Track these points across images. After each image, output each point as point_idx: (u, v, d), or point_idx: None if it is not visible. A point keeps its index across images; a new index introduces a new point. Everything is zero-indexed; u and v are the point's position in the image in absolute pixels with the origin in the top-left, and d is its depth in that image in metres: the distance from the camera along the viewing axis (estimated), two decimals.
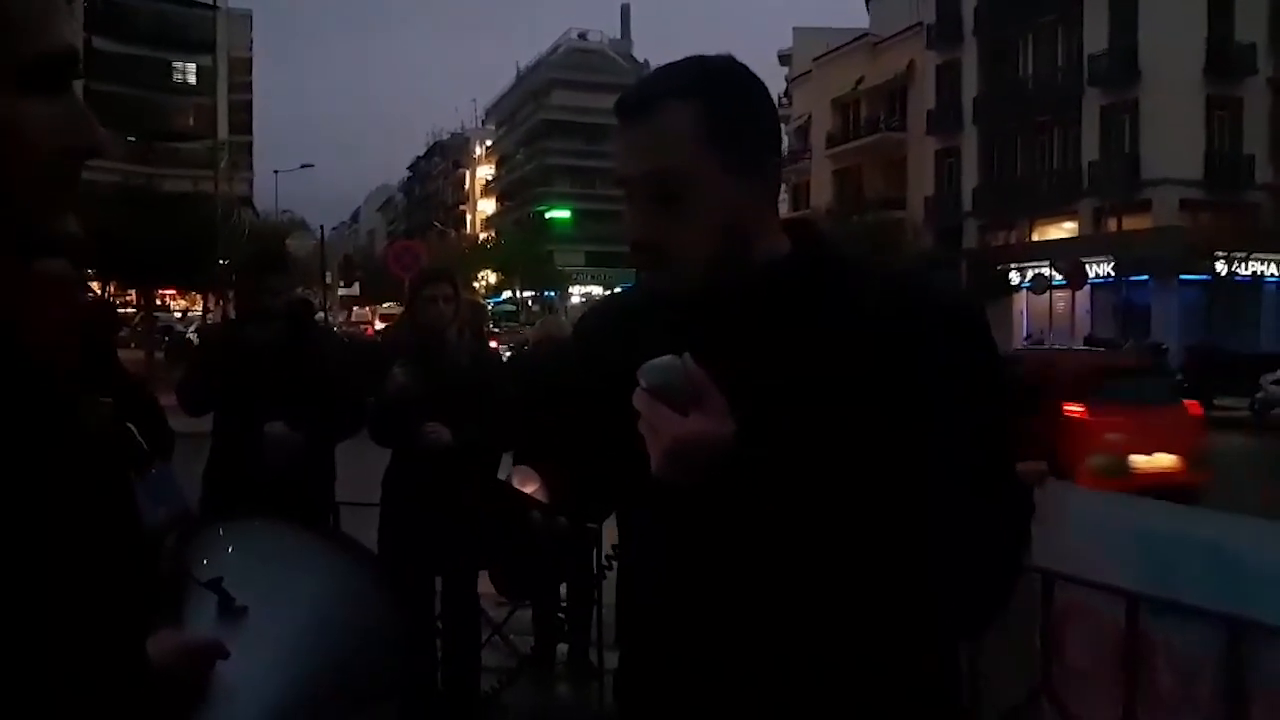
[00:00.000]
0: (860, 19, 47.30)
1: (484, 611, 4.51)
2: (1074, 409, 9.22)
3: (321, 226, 54.03)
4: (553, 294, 58.11)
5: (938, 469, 1.18)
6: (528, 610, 5.01)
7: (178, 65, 55.05)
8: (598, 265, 62.75)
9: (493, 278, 63.43)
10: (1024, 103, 34.77)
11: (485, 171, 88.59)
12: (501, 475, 1.37)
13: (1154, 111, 30.78)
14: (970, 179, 37.29)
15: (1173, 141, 30.30)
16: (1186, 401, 10.94)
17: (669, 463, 1.16)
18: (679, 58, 1.34)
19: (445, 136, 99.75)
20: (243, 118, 60.78)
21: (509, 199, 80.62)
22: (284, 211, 55.16)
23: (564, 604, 5.03)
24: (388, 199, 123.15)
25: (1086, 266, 26.58)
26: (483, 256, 63.06)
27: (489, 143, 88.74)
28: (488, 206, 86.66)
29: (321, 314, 39.36)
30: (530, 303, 58.93)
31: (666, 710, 1.31)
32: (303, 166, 49.23)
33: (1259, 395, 19.14)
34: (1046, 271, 28.41)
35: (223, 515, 1.31)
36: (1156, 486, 7.35)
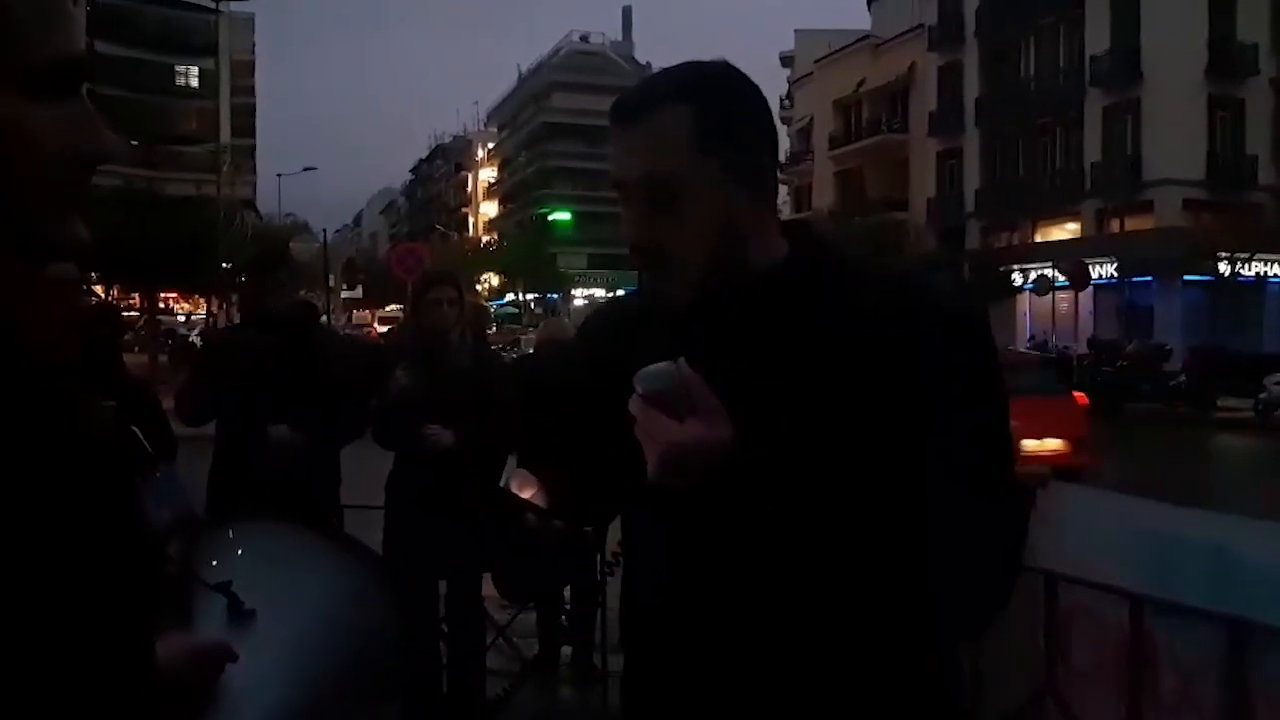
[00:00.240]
0: (862, 21, 47.37)
1: (488, 614, 4.51)
2: None
3: (324, 230, 54.16)
4: (555, 296, 58.15)
5: (936, 470, 1.18)
6: (532, 613, 5.01)
7: (180, 69, 55.15)
8: (600, 267, 62.76)
9: (495, 280, 63.49)
10: (1026, 104, 34.76)
11: (487, 174, 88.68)
12: (504, 478, 1.37)
13: (1156, 112, 30.77)
14: (972, 180, 37.29)
15: (1175, 142, 30.28)
16: (1076, 394, 12.61)
17: (664, 468, 1.16)
18: (680, 60, 1.34)
19: (447, 139, 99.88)
20: (245, 121, 60.85)
21: (511, 201, 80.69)
22: (287, 214, 55.19)
23: (567, 607, 5.03)
24: (390, 202, 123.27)
25: (1089, 268, 26.58)
26: (485, 259, 63.13)
27: (491, 145, 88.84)
28: (490, 209, 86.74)
29: (325, 317, 39.46)
30: (533, 305, 58.99)
31: (670, 712, 1.32)
32: (305, 170, 49.33)
33: (1262, 396, 19.12)
34: (1049, 273, 28.41)
35: (231, 518, 1.31)
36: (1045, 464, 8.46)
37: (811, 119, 45.55)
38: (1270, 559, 2.85)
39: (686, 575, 1.28)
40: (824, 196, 42.32)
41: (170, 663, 0.94)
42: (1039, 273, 29.32)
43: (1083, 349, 24.77)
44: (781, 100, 51.95)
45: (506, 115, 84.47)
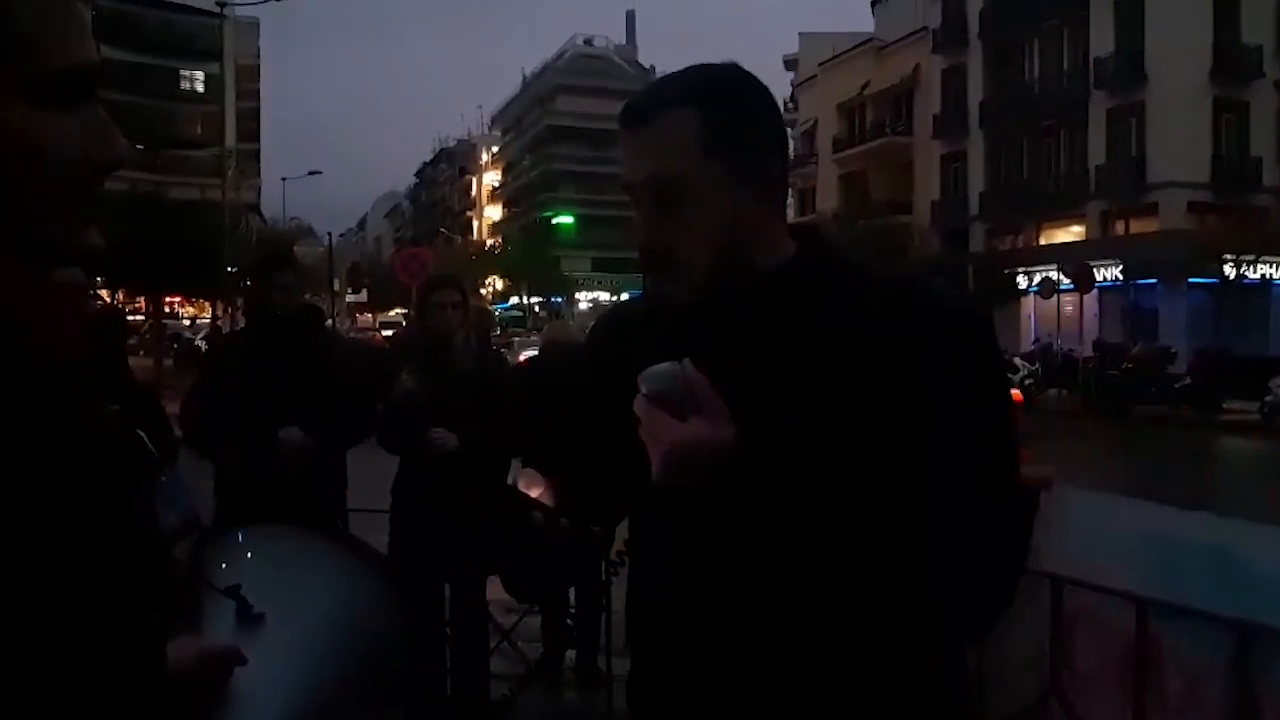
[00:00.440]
0: (866, 23, 47.32)
1: (492, 618, 4.51)
2: None
3: (329, 234, 54.30)
4: (560, 300, 58.17)
5: (940, 471, 1.19)
6: (536, 617, 5.01)
7: (185, 73, 55.33)
8: (604, 271, 62.80)
9: (500, 284, 63.54)
10: (1030, 106, 34.73)
11: (492, 178, 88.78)
12: (510, 477, 1.38)
13: (1160, 114, 30.72)
14: (977, 183, 37.25)
15: (1180, 145, 30.23)
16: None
17: (668, 468, 1.17)
18: (684, 63, 1.35)
19: (452, 143, 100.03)
20: (250, 125, 61.03)
21: (515, 205, 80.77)
22: (291, 218, 55.42)
23: (572, 609, 5.03)
24: (395, 206, 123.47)
25: (1094, 270, 26.52)
26: (489, 262, 63.18)
27: (495, 149, 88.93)
28: (494, 213, 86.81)
29: (330, 321, 39.44)
30: (537, 309, 59.00)
31: (676, 713, 1.32)
32: (310, 174, 49.45)
33: (1267, 399, 19.07)
34: (1054, 275, 28.35)
35: (241, 521, 1.32)
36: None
37: (815, 122, 45.54)
38: (1275, 562, 2.84)
39: (691, 576, 1.28)
40: (828, 199, 42.30)
41: (179, 666, 0.95)
42: (1043, 275, 29.26)
43: (1088, 352, 24.72)
44: (785, 103, 51.96)
45: (511, 119, 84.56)
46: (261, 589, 1.14)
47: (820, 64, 45.46)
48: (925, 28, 39.56)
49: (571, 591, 5.10)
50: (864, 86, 42.07)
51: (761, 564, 1.21)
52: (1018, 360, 23.85)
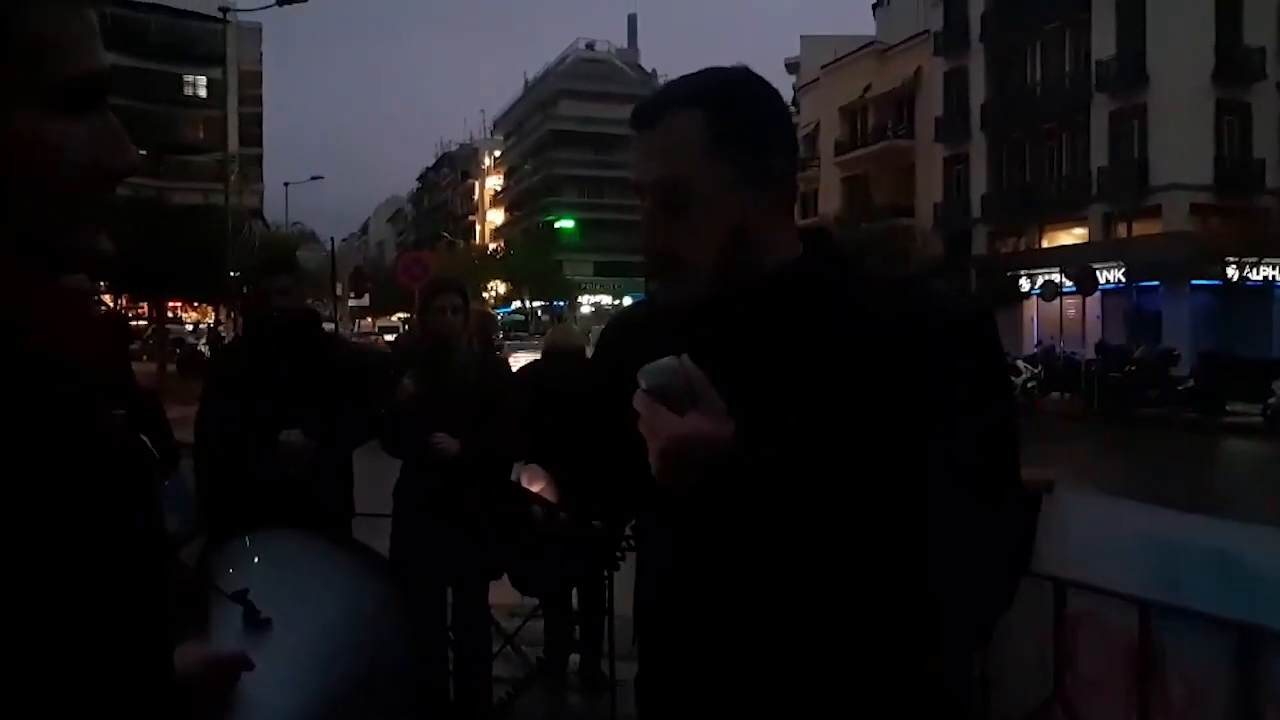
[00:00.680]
0: (867, 27, 47.43)
1: (495, 622, 4.51)
2: None
3: (332, 238, 54.32)
4: (562, 303, 58.21)
5: (941, 473, 1.19)
6: (539, 621, 5.01)
7: (188, 78, 55.45)
8: (606, 275, 62.86)
9: (502, 288, 63.57)
10: (1032, 109, 34.71)
11: (494, 182, 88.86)
12: (514, 474, 1.39)
13: (1163, 117, 30.70)
14: (979, 185, 37.23)
15: (1182, 147, 30.21)
16: None
17: (664, 462, 1.18)
18: (686, 66, 1.37)
19: (454, 147, 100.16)
20: (253, 130, 61.12)
21: (517, 209, 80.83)
22: (294, 223, 55.44)
23: (576, 609, 5.03)
24: (397, 210, 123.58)
25: (1097, 273, 26.47)
26: (492, 267, 63.23)
27: (497, 153, 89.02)
28: (496, 217, 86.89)
29: (334, 325, 39.48)
30: (539, 312, 59.03)
31: (679, 712, 1.33)
32: (312, 178, 49.55)
33: (1271, 401, 19.02)
34: (1056, 278, 28.32)
35: (246, 527, 1.32)
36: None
37: (817, 125, 45.55)
38: (1278, 565, 2.83)
39: (692, 575, 1.29)
40: (830, 202, 42.30)
41: (187, 671, 0.95)
42: (1046, 278, 29.22)
43: (1090, 354, 24.68)
44: (787, 106, 51.86)
45: (513, 123, 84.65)
46: (269, 594, 1.14)
47: (822, 67, 45.47)
48: (927, 30, 39.57)
49: (574, 595, 5.10)
50: (866, 89, 42.08)
51: (761, 562, 1.22)
52: (1020, 363, 23.82)
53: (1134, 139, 31.60)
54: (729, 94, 1.29)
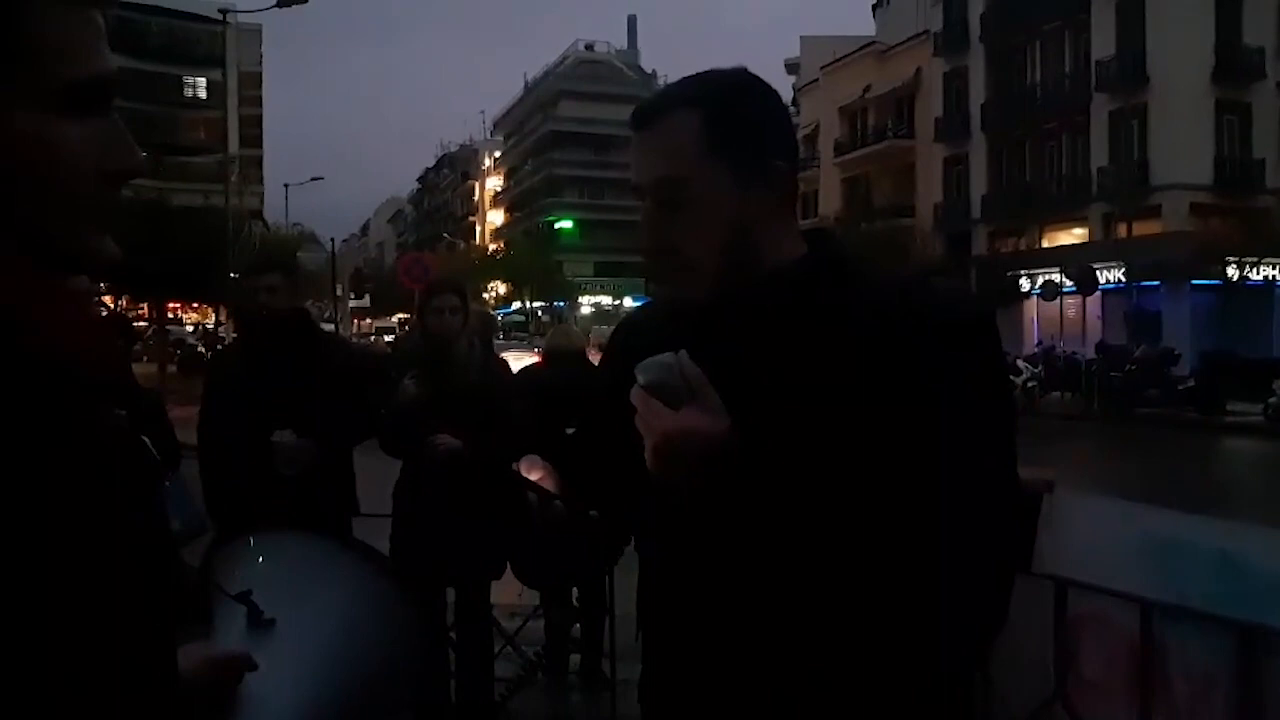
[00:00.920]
0: (867, 27, 47.42)
1: (496, 622, 4.51)
2: None
3: (332, 239, 54.37)
4: (562, 304, 58.21)
5: (940, 472, 1.19)
6: (540, 621, 5.01)
7: (188, 80, 55.47)
8: (607, 275, 62.87)
9: (502, 288, 63.58)
10: (1032, 109, 34.71)
11: (494, 183, 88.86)
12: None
13: (1163, 116, 30.70)
14: (979, 186, 37.23)
15: (1182, 146, 30.21)
16: None
17: (659, 458, 1.18)
18: (686, 67, 1.37)
19: (454, 148, 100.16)
20: (253, 131, 61.13)
21: (517, 210, 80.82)
22: (295, 224, 55.52)
23: (576, 605, 5.04)
24: (397, 211, 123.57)
25: (1097, 272, 26.47)
26: (492, 267, 63.22)
27: (497, 154, 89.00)
28: (496, 218, 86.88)
29: (334, 326, 39.46)
30: (540, 313, 59.02)
31: (681, 709, 1.33)
32: (312, 179, 49.51)
33: (1271, 400, 19.03)
34: (1057, 278, 28.32)
35: (247, 527, 1.32)
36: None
37: (817, 125, 45.55)
38: (1279, 565, 2.83)
39: (690, 571, 1.30)
40: (830, 203, 42.28)
41: (190, 671, 0.95)
42: (1046, 278, 29.22)
43: (1090, 354, 24.68)
44: (786, 107, 51.88)
45: (513, 124, 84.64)
46: (272, 594, 1.14)
47: (822, 67, 45.48)
48: (926, 31, 39.57)
49: (574, 594, 5.10)
50: (865, 90, 42.08)
51: (756, 559, 1.22)
52: (1020, 363, 23.83)
53: (1134, 139, 31.58)
54: (727, 95, 1.30)
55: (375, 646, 1.20)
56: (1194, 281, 28.78)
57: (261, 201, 58.15)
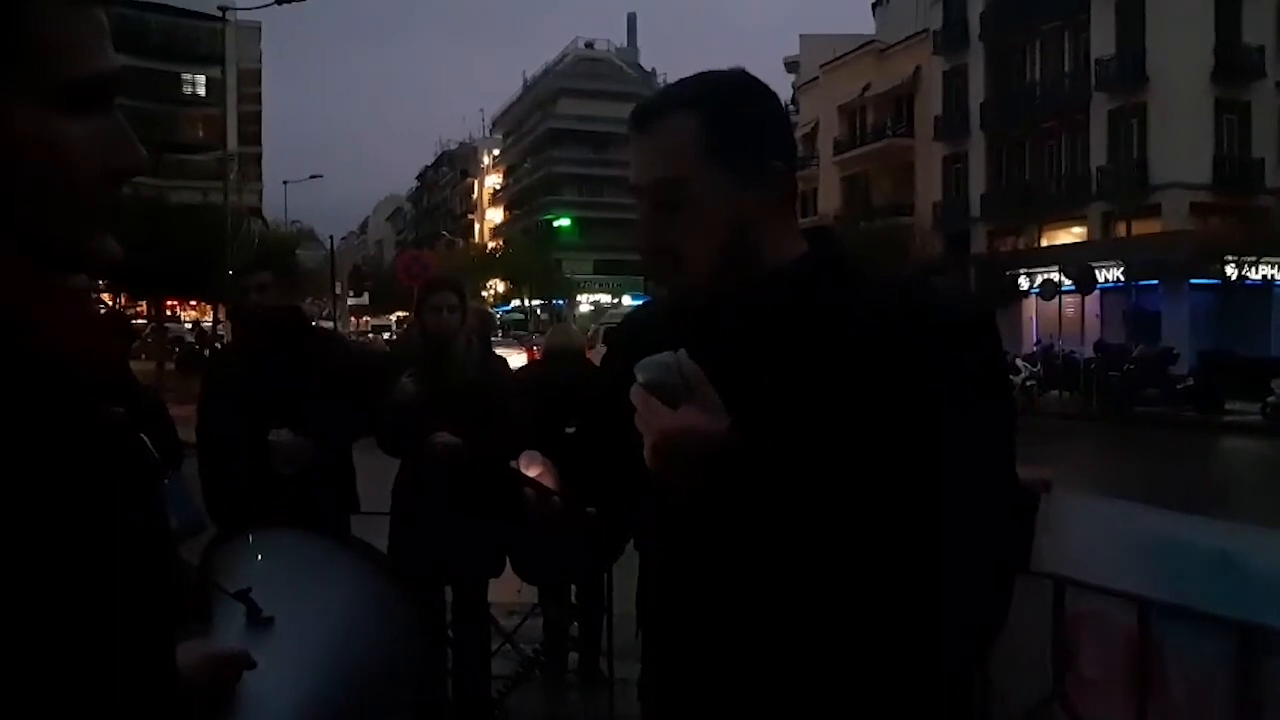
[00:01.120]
0: (866, 26, 47.42)
1: (494, 620, 4.51)
2: None
3: (331, 237, 54.37)
4: (561, 302, 58.19)
5: (939, 471, 1.19)
6: (538, 619, 5.01)
7: (187, 77, 55.42)
8: (606, 273, 62.86)
9: (501, 286, 63.54)
10: (1031, 108, 34.71)
11: (493, 180, 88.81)
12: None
13: (1162, 116, 30.71)
14: (978, 184, 37.23)
15: (1181, 146, 30.22)
16: None
17: (657, 455, 1.19)
18: (685, 65, 1.37)
19: (453, 146, 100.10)
20: (252, 129, 61.06)
21: (517, 208, 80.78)
22: (293, 222, 55.45)
23: (574, 604, 5.04)
24: (396, 209, 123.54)
25: (1096, 271, 26.49)
26: (491, 265, 63.17)
27: (496, 152, 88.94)
28: (495, 215, 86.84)
29: (333, 324, 39.39)
30: (539, 311, 59.01)
31: (681, 707, 1.33)
32: (311, 177, 49.57)
33: (1270, 400, 19.04)
34: (1055, 277, 28.33)
35: (246, 525, 1.32)
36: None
37: (816, 124, 45.55)
38: (1277, 566, 2.83)
39: (688, 569, 1.30)
40: (829, 201, 42.29)
41: (188, 669, 0.95)
42: (1045, 277, 29.23)
43: (1089, 353, 24.70)
44: (786, 105, 51.46)
45: (512, 122, 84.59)
46: (271, 592, 1.14)
47: (821, 66, 45.47)
48: (926, 29, 39.56)
49: (573, 592, 5.11)
50: (865, 89, 42.08)
51: (754, 557, 1.22)
52: (1019, 362, 23.85)
53: (1133, 138, 31.59)
54: (724, 96, 1.30)
55: (374, 646, 1.20)
56: (1193, 281, 28.79)
57: (260, 199, 58.09)
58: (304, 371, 3.72)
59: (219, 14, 32.59)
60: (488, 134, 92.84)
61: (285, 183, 57.75)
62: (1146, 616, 3.01)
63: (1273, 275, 29.98)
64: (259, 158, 62.01)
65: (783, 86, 55.83)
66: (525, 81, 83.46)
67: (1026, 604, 2.99)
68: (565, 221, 64.78)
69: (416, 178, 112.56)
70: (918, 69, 39.92)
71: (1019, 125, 34.99)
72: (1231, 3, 31.30)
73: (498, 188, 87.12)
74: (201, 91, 55.40)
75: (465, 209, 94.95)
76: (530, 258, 59.30)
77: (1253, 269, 28.77)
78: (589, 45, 78.73)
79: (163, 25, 53.27)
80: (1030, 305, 31.89)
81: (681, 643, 1.32)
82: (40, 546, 0.74)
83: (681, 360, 1.20)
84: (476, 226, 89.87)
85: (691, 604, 1.30)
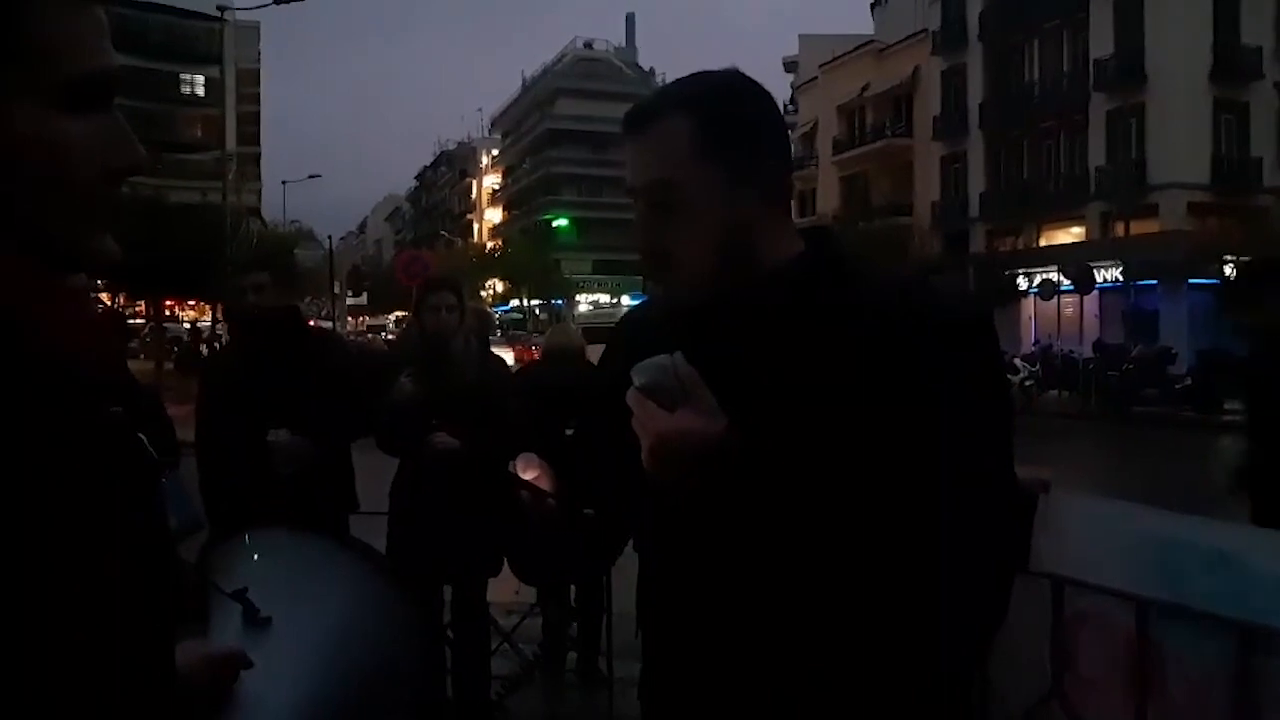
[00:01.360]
0: (865, 25, 47.43)
1: (493, 620, 4.51)
2: None
3: (330, 237, 54.38)
4: (560, 302, 58.17)
5: (938, 471, 1.19)
6: (538, 619, 5.01)
7: (185, 77, 55.43)
8: (605, 273, 62.85)
9: (500, 286, 63.53)
10: (1030, 108, 34.72)
11: (492, 181, 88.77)
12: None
13: (1160, 116, 30.72)
14: (977, 184, 37.24)
15: (1180, 146, 30.23)
16: None
17: (654, 458, 1.19)
18: (684, 65, 1.38)
19: (452, 146, 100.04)
20: (250, 129, 61.12)
21: (515, 208, 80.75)
22: (292, 222, 55.43)
23: (574, 606, 5.03)
24: (395, 208, 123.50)
25: (1094, 271, 26.50)
26: (490, 265, 63.14)
27: (495, 152, 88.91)
28: (494, 215, 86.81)
29: (332, 323, 39.38)
30: (538, 311, 58.99)
31: (681, 707, 1.33)
32: (310, 177, 49.55)
33: None
34: (1054, 277, 28.34)
35: (245, 525, 1.32)
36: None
37: (815, 124, 45.55)
38: (1276, 566, 2.83)
39: (687, 569, 1.30)
40: (828, 201, 42.28)
41: (186, 669, 0.95)
42: (1044, 276, 29.23)
43: (1088, 353, 24.70)
44: (785, 105, 51.95)
45: (511, 122, 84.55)
46: (268, 592, 1.14)
47: (820, 66, 45.47)
48: (925, 29, 39.57)
49: (572, 592, 5.10)
50: (864, 88, 42.08)
51: (751, 558, 1.22)
52: (1018, 361, 23.86)
53: (1132, 138, 31.59)
54: (718, 97, 1.30)
55: (373, 645, 1.20)
56: (1191, 280, 28.78)
57: (259, 199, 58.10)
58: (302, 371, 3.72)
59: (217, 14, 32.59)
60: (486, 134, 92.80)
61: (284, 182, 57.86)
62: (1145, 616, 3.01)
63: None
64: (257, 157, 62.03)
65: (781, 86, 55.90)
66: (524, 81, 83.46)
67: (1025, 604, 2.99)
68: (564, 221, 64.76)
69: (415, 178, 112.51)
70: (916, 69, 39.93)
71: (1018, 125, 34.99)
72: (1230, 3, 31.31)
73: (496, 188, 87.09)
74: (200, 91, 55.42)
75: (464, 209, 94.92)
76: (529, 258, 59.27)
77: None
78: (588, 45, 78.67)
79: (162, 25, 53.26)
80: (1029, 305, 31.90)
81: (681, 643, 1.32)
82: (40, 546, 0.73)
83: (677, 363, 1.20)
84: (475, 226, 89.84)
85: (691, 604, 1.30)
